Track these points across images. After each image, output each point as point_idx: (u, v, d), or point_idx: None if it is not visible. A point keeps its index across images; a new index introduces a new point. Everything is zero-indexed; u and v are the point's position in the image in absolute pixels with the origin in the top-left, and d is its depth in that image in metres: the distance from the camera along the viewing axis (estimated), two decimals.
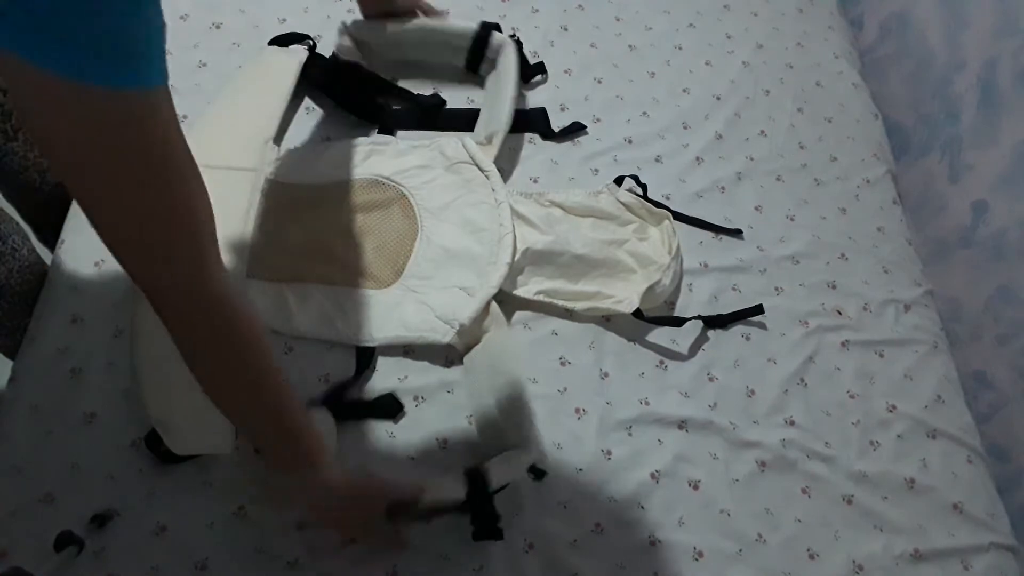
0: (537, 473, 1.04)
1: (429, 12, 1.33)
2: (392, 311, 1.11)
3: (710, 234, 1.31)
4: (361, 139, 1.25)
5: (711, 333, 1.21)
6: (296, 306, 1.09)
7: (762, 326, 1.24)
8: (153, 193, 0.63)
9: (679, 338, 1.19)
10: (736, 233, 1.31)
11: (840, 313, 1.28)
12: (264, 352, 0.79)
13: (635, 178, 1.29)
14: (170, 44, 1.32)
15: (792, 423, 1.16)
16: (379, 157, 1.24)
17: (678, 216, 1.28)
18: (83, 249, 1.10)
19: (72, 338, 1.04)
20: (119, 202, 0.62)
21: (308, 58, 1.27)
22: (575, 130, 1.36)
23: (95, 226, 0.64)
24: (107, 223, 0.64)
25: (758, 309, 1.23)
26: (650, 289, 1.15)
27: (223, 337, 0.75)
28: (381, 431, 1.05)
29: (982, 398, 1.35)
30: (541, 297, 1.15)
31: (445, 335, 1.08)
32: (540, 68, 1.41)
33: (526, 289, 1.15)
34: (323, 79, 1.28)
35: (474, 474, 0.95)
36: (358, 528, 0.94)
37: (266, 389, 0.81)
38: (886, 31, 1.67)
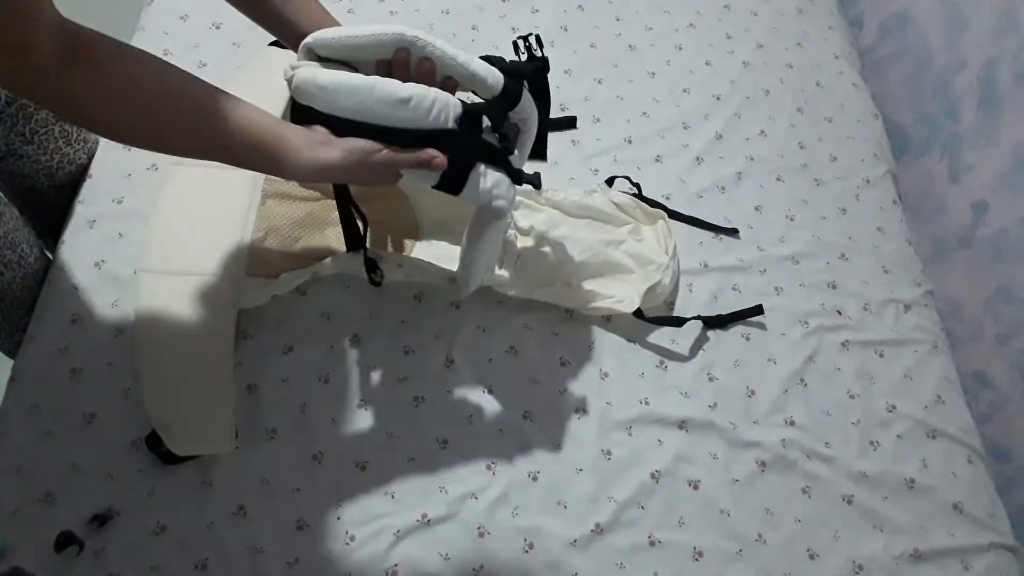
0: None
1: None
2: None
3: (710, 234, 1.31)
4: None
5: (711, 333, 1.21)
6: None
7: (762, 326, 1.24)
8: None
9: (679, 338, 1.19)
10: (732, 232, 1.31)
11: (840, 313, 1.28)
12: (148, 62, 0.74)
13: (627, 178, 1.29)
14: (170, 44, 1.35)
15: (792, 423, 1.16)
16: None
17: (674, 215, 1.28)
18: (83, 249, 1.11)
19: (72, 338, 1.04)
20: None
21: None
22: (566, 125, 1.36)
23: None
24: None
25: (758, 309, 1.23)
26: (650, 289, 1.15)
27: (108, 75, 0.71)
28: (381, 431, 1.05)
29: (982, 398, 1.35)
30: (541, 297, 1.15)
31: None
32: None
33: (526, 290, 1.15)
34: None
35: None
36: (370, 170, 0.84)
37: (186, 97, 0.76)
38: (886, 31, 1.67)
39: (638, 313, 1.14)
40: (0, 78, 0.69)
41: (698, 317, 1.20)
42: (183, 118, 0.76)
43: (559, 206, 1.25)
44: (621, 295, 1.17)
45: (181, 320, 1.03)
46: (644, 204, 1.26)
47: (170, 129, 0.76)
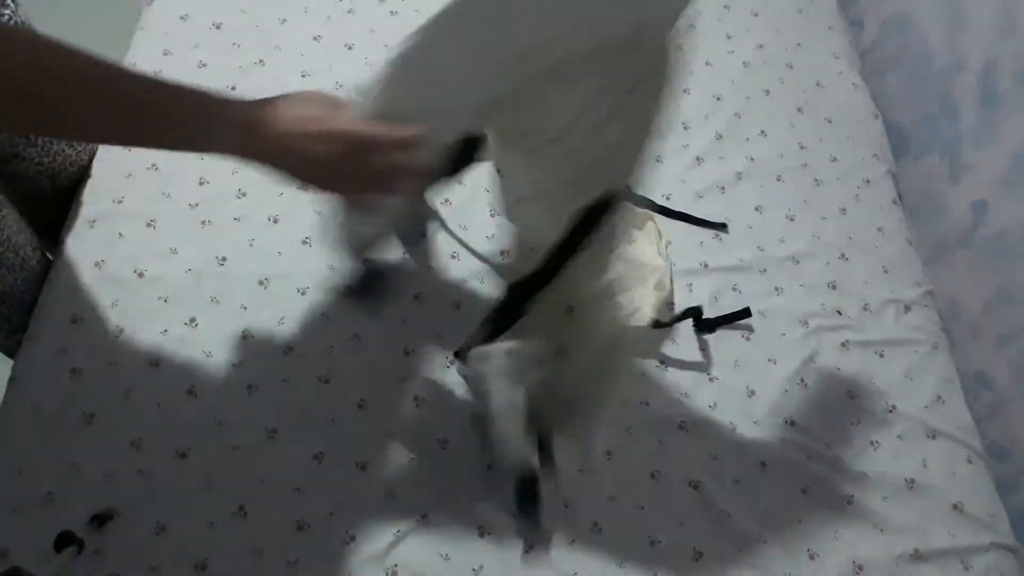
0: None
1: None
2: None
3: (710, 234, 1.31)
4: None
5: (711, 332, 1.21)
6: None
7: (762, 326, 1.24)
8: None
9: (679, 338, 1.19)
10: (720, 227, 1.31)
11: (840, 313, 1.28)
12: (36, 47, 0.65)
13: None
14: (170, 44, 1.35)
15: (792, 423, 1.16)
16: None
17: (663, 211, 1.28)
18: (83, 249, 1.11)
19: (72, 338, 1.04)
20: None
21: None
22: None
23: None
24: None
25: (745, 313, 1.23)
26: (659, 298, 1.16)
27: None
28: (381, 431, 1.05)
29: (982, 398, 1.35)
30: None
31: None
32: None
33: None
34: None
35: None
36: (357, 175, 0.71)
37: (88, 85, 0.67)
38: (886, 31, 1.67)
39: (656, 324, 1.14)
40: None
41: (684, 315, 1.19)
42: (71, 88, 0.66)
43: None
44: (629, 306, 1.16)
45: None
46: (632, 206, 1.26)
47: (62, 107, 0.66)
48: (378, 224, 0.89)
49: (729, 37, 1.57)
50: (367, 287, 1.07)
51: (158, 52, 1.30)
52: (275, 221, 1.18)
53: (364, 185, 0.72)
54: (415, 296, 1.15)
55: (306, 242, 1.16)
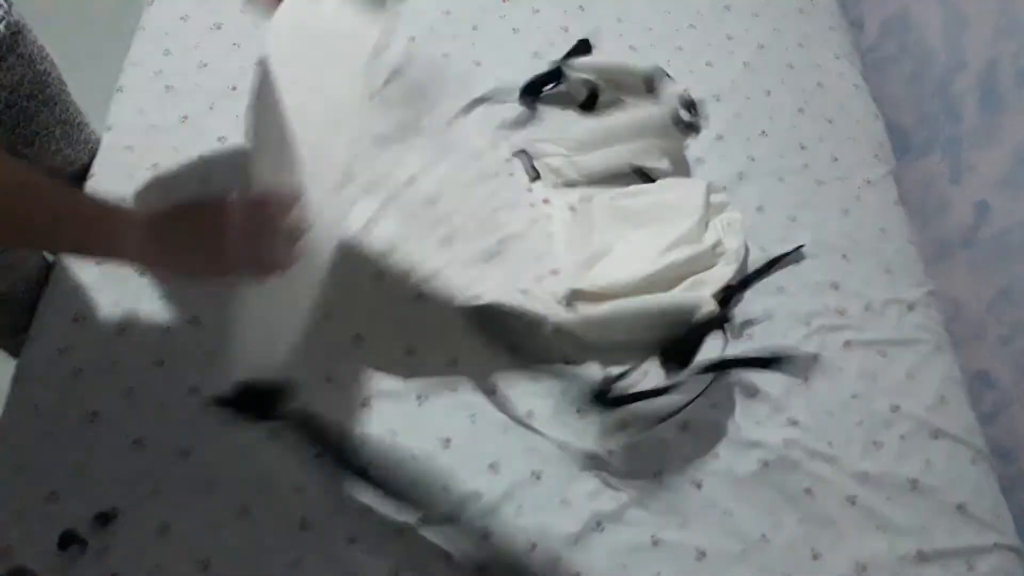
0: None
1: None
2: None
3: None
4: None
5: (712, 334, 1.21)
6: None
7: (765, 326, 1.23)
8: None
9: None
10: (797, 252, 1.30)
11: (842, 313, 1.28)
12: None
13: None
14: (171, 44, 1.35)
15: (795, 423, 1.16)
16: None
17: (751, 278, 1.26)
18: None
19: (75, 337, 1.04)
20: None
21: None
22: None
23: None
24: None
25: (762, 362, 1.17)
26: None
27: None
28: (383, 430, 1.05)
29: (985, 398, 1.35)
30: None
31: None
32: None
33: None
34: None
35: None
36: (208, 256, 0.74)
37: (30, 223, 0.69)
38: (887, 31, 1.67)
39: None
40: None
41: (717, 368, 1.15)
42: None
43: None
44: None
45: None
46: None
47: None
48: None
49: (730, 38, 1.58)
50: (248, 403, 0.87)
51: (159, 52, 1.30)
52: None
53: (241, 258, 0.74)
54: (417, 295, 1.15)
55: None
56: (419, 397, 1.07)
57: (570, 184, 1.28)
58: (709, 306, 1.08)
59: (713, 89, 1.48)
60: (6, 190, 0.67)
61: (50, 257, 1.13)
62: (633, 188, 1.28)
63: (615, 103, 1.36)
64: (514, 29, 1.47)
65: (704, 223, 1.24)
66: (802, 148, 1.46)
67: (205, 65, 1.30)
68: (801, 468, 1.13)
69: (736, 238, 1.23)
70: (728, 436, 1.13)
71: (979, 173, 1.40)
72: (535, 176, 1.28)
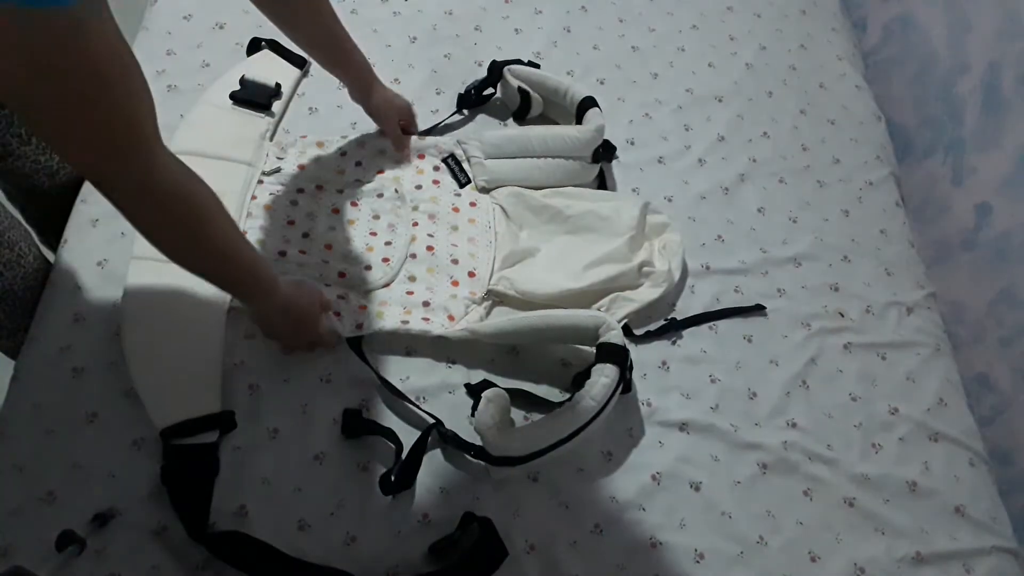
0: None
1: (408, 131, 1.27)
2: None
3: (712, 236, 1.31)
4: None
5: (713, 334, 1.21)
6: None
7: (764, 328, 1.24)
8: (93, 102, 0.66)
9: (681, 339, 1.19)
10: (759, 310, 1.26)
11: (842, 315, 1.28)
12: (216, 221, 0.85)
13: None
14: (173, 44, 1.35)
15: (794, 425, 1.16)
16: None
17: (698, 319, 1.23)
18: (85, 249, 1.11)
19: (74, 338, 1.04)
20: (64, 116, 0.66)
21: None
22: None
23: (44, 138, 0.66)
24: (56, 134, 0.69)
25: (723, 313, 1.22)
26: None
27: (177, 217, 0.80)
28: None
29: (984, 401, 1.34)
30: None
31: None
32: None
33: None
34: None
35: None
36: (296, 338, 1.06)
37: (228, 255, 0.88)
38: (889, 33, 1.67)
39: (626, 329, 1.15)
40: (102, 171, 0.74)
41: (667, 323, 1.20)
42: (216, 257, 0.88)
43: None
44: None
45: (171, 298, 1.06)
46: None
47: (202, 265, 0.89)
48: None
49: (732, 39, 1.57)
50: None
51: (161, 51, 1.30)
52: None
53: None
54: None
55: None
56: (418, 398, 1.07)
57: (484, 189, 1.27)
58: (613, 329, 1.06)
59: (715, 90, 1.48)
60: (240, 265, 0.91)
61: (50, 257, 1.13)
62: (570, 189, 1.27)
63: (542, 120, 1.35)
64: (516, 30, 1.47)
65: (637, 243, 1.23)
66: (804, 149, 1.46)
67: (208, 65, 1.30)
68: (800, 470, 1.13)
69: (669, 260, 1.21)
70: (727, 438, 1.13)
71: (981, 175, 1.40)
72: (465, 180, 1.27)
